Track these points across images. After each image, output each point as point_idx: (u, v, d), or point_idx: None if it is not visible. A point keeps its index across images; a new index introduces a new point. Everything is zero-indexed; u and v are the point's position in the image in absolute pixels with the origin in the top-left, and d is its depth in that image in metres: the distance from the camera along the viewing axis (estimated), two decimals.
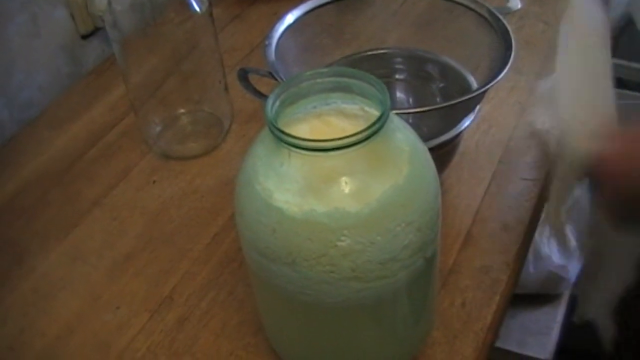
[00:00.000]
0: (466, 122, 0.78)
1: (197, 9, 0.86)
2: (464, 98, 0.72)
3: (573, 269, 1.34)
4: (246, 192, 0.57)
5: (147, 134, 0.95)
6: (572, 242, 1.08)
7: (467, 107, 0.77)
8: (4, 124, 1.02)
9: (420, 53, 0.86)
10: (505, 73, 0.73)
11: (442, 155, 0.80)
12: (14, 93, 1.02)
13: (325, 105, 0.59)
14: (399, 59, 0.87)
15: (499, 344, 1.33)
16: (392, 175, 0.55)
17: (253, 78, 0.79)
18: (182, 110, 0.96)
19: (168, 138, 0.95)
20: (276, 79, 0.75)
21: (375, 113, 0.55)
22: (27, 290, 0.80)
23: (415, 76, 0.87)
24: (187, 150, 0.94)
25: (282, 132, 0.53)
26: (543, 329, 1.39)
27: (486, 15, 0.80)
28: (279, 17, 0.82)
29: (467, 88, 0.79)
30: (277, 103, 0.56)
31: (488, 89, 0.73)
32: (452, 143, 0.80)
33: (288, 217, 0.54)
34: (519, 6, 1.12)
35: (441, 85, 0.85)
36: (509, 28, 0.78)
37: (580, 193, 0.88)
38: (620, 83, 1.43)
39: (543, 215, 0.84)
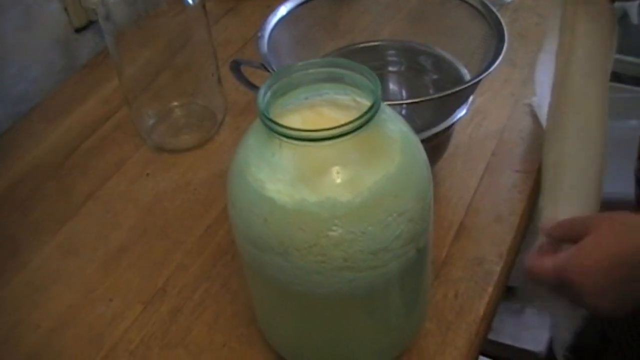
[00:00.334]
0: (459, 114, 0.78)
1: (190, 1, 0.86)
2: (456, 89, 0.72)
3: None
4: (238, 182, 0.57)
5: (140, 127, 0.95)
6: None
7: (459, 99, 0.77)
8: None
9: (414, 45, 0.86)
10: (498, 65, 0.73)
11: (435, 147, 0.80)
12: (7, 86, 1.02)
13: (318, 96, 0.59)
14: (392, 51, 0.88)
15: (493, 337, 1.34)
16: (384, 166, 0.55)
17: (246, 71, 0.79)
18: (175, 103, 0.96)
19: (161, 131, 0.95)
20: (269, 71, 0.75)
21: (367, 104, 0.55)
22: (21, 283, 0.80)
23: (409, 68, 0.87)
24: (181, 143, 0.94)
25: (274, 122, 0.53)
26: (537, 323, 1.39)
27: (479, 7, 0.80)
28: (273, 9, 0.82)
29: (460, 80, 0.80)
30: (269, 94, 0.56)
31: (480, 80, 0.73)
32: (445, 135, 0.80)
33: (280, 207, 0.54)
34: None
35: (434, 77, 0.85)
36: (501, 20, 0.78)
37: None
38: (615, 77, 1.44)
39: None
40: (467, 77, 0.80)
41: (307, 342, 0.66)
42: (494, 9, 0.79)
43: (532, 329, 1.39)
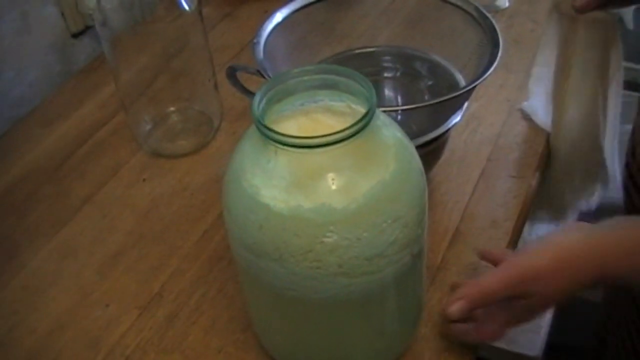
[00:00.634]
0: (454, 120, 0.79)
1: (187, 7, 0.86)
2: (451, 95, 0.72)
3: None
4: (233, 188, 0.57)
5: (137, 132, 0.95)
6: None
7: (455, 105, 0.78)
8: None
9: (409, 51, 0.87)
10: (493, 70, 0.73)
11: (431, 152, 0.81)
12: (4, 91, 1.02)
13: (313, 102, 0.59)
14: (387, 57, 0.88)
15: (488, 341, 1.34)
16: (379, 172, 0.55)
17: (242, 76, 0.79)
18: (172, 109, 0.96)
19: (158, 136, 0.95)
20: (264, 77, 0.75)
21: (362, 110, 0.56)
22: (17, 287, 0.80)
23: (404, 74, 0.87)
24: (177, 148, 0.94)
25: (269, 129, 0.53)
26: (533, 327, 1.39)
27: (474, 13, 0.81)
28: (269, 15, 0.83)
29: (455, 85, 0.80)
30: (264, 100, 0.56)
31: (475, 86, 0.73)
32: (441, 140, 0.80)
33: (275, 213, 0.54)
34: (507, 5, 1.13)
35: (430, 82, 0.85)
36: (496, 26, 0.78)
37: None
38: None
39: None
40: (463, 82, 0.80)
41: (303, 348, 0.66)
42: (489, 15, 0.80)
43: (528, 333, 1.39)
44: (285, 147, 0.53)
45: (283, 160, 0.55)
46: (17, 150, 0.97)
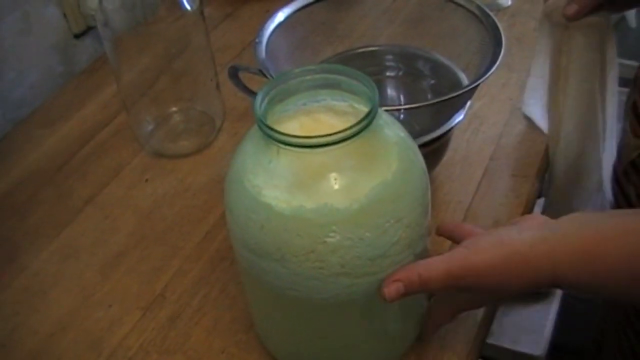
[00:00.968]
0: (457, 119, 0.79)
1: (188, 7, 0.86)
2: (454, 94, 0.72)
3: None
4: (235, 189, 0.57)
5: (139, 133, 0.95)
6: None
7: (457, 104, 0.77)
8: None
9: (412, 50, 0.86)
10: (496, 69, 0.73)
11: (434, 152, 0.80)
12: (6, 91, 1.02)
13: (315, 102, 0.59)
14: (390, 57, 0.88)
15: (492, 340, 1.34)
16: (381, 172, 0.55)
17: (244, 76, 0.79)
18: (174, 109, 0.96)
19: (160, 136, 0.95)
20: (267, 77, 0.75)
21: (364, 110, 0.56)
22: (19, 288, 0.80)
23: (407, 73, 0.87)
24: (179, 149, 0.94)
25: (271, 128, 0.53)
26: (536, 326, 1.39)
27: (476, 12, 0.80)
28: (271, 15, 0.83)
29: (457, 84, 0.80)
30: (266, 100, 0.56)
31: (478, 85, 0.73)
32: (443, 140, 0.80)
33: (277, 213, 0.54)
34: (509, 3, 1.13)
35: (432, 82, 0.85)
36: (499, 24, 0.78)
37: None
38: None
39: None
40: (465, 81, 0.80)
41: (305, 348, 0.66)
42: (492, 14, 0.80)
43: (532, 333, 1.39)
44: (287, 147, 0.53)
45: (285, 160, 0.54)
46: (18, 152, 0.97)
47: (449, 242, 0.79)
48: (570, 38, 0.79)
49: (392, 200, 0.55)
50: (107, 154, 0.96)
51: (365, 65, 0.86)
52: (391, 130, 0.58)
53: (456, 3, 0.82)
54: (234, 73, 0.78)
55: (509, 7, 1.13)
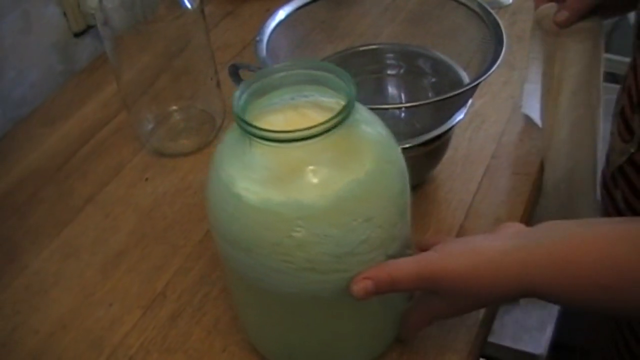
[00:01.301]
0: (458, 117, 0.78)
1: (189, 5, 0.86)
2: (455, 92, 0.72)
3: None
4: (213, 177, 0.58)
5: (139, 131, 0.95)
6: None
7: (458, 102, 0.77)
8: None
9: (412, 48, 0.86)
10: (497, 67, 0.73)
11: (435, 150, 0.80)
12: (6, 91, 1.02)
13: (303, 97, 0.59)
14: (391, 55, 0.87)
15: (494, 339, 1.34)
16: (354, 170, 0.55)
17: (245, 75, 0.79)
18: (174, 107, 0.96)
19: (160, 135, 0.94)
20: None
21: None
22: (20, 287, 0.80)
23: (407, 71, 0.87)
24: (180, 147, 0.94)
25: (244, 121, 0.54)
26: (537, 325, 1.39)
27: (478, 10, 0.80)
28: (272, 13, 0.82)
29: (458, 83, 0.80)
30: (246, 94, 0.56)
31: (479, 83, 0.73)
32: (444, 138, 0.80)
33: (246, 204, 0.54)
34: (510, 1, 1.12)
35: (433, 80, 0.85)
36: (500, 22, 0.78)
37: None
38: (613, 78, 1.44)
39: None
40: (466, 80, 0.80)
41: (283, 342, 0.66)
42: (493, 12, 0.79)
43: (533, 331, 1.39)
44: (258, 140, 0.53)
45: (257, 153, 0.55)
46: (18, 151, 0.97)
47: None
48: (563, 45, 0.78)
49: (363, 199, 0.55)
50: (108, 152, 0.95)
51: (365, 63, 0.86)
52: (371, 128, 0.58)
53: (457, 1, 0.82)
54: (234, 71, 0.78)
55: (510, 4, 1.13)
